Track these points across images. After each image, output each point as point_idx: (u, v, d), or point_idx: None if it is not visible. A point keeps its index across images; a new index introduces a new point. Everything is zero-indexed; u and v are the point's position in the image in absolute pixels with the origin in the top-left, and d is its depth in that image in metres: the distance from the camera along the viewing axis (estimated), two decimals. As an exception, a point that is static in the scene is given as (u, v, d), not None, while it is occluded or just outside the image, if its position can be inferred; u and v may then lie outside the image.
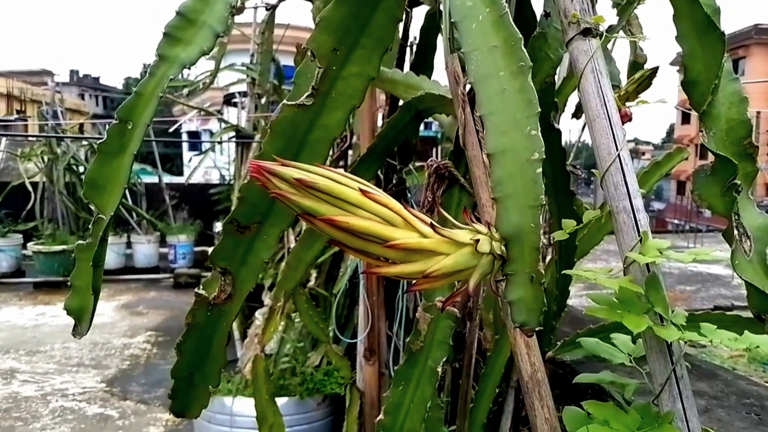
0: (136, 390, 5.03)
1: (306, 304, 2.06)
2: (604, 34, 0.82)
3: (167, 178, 12.54)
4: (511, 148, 0.71)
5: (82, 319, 0.87)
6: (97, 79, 49.68)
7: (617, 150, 0.77)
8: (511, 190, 0.70)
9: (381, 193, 0.67)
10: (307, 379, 3.30)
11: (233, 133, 7.94)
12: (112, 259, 9.68)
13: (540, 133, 0.70)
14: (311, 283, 3.14)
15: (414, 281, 0.68)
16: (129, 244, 10.07)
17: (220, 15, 0.83)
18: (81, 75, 46.84)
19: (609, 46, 2.34)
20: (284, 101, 0.88)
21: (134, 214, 10.04)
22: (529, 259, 0.68)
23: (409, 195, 1.88)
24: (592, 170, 0.90)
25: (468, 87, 0.91)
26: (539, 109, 0.71)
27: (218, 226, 9.97)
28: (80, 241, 0.83)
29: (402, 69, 1.63)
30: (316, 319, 2.17)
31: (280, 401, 3.10)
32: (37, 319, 7.23)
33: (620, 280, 0.72)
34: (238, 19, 2.75)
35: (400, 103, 1.66)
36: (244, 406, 3.17)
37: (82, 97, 41.71)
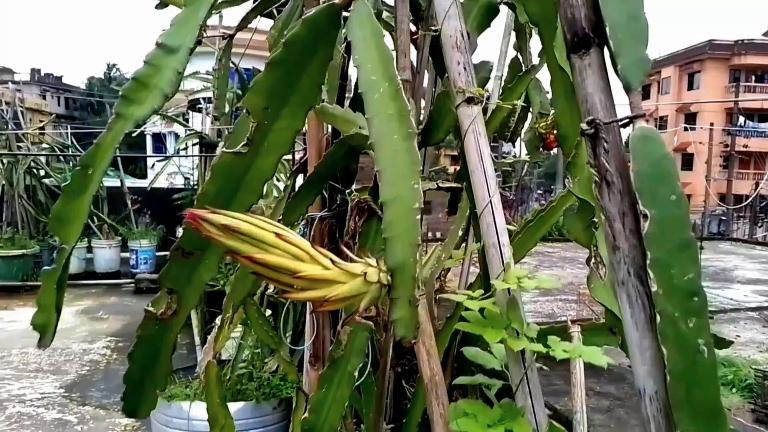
0: (95, 395, 5.05)
1: (256, 314, 2.22)
2: (485, 101, 1.02)
3: (130, 182, 12.45)
4: (399, 197, 0.90)
5: (46, 333, 1.03)
6: (59, 78, 48.61)
7: (489, 197, 0.97)
8: (397, 232, 0.88)
9: (293, 234, 0.85)
10: (263, 383, 3.43)
11: (197, 140, 8.01)
12: (72, 263, 9.46)
13: (420, 187, 0.89)
14: (270, 291, 3.29)
15: (318, 304, 0.86)
16: (90, 249, 9.97)
17: (169, 79, 0.99)
18: (42, 74, 45.76)
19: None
20: (223, 149, 1.05)
21: (95, 218, 9.96)
22: (408, 286, 0.86)
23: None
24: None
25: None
26: (421, 167, 0.90)
27: (181, 231, 9.95)
28: (46, 267, 0.99)
29: (342, 105, 1.81)
30: (265, 327, 2.34)
31: (236, 405, 3.22)
32: (-6, 324, 7.16)
33: (483, 302, 0.91)
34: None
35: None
36: (202, 411, 3.25)
37: (44, 96, 40.80)
